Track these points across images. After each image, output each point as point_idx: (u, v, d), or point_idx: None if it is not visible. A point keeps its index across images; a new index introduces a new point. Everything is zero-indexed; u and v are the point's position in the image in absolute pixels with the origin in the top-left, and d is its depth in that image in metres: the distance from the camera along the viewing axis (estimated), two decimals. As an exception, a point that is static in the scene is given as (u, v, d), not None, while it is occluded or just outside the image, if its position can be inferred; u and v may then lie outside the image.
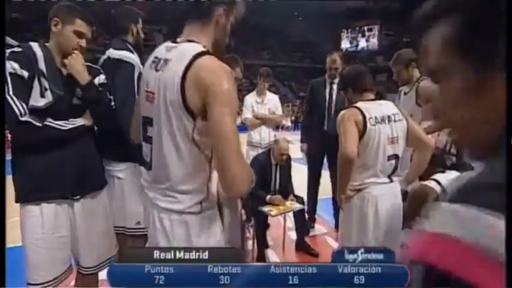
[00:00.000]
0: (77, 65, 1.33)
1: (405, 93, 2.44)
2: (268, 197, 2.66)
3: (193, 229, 0.98)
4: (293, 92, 31.13)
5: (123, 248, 1.74)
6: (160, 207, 1.01)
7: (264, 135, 3.34)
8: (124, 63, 1.58)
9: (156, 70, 0.97)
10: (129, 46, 1.68)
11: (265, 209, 2.58)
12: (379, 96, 1.75)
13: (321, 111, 3.04)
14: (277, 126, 3.86)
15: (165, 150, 0.96)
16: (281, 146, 2.73)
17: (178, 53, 0.94)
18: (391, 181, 1.72)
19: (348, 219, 1.73)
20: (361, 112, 1.61)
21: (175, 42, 1.00)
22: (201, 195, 0.98)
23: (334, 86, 3.01)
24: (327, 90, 3.04)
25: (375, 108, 1.65)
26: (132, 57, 1.61)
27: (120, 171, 1.67)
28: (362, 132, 1.59)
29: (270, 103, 3.38)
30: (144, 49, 1.76)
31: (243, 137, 3.60)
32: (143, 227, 1.65)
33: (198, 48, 0.94)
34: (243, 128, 3.64)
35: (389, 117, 1.65)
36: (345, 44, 30.93)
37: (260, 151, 3.15)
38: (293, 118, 20.32)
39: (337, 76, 2.97)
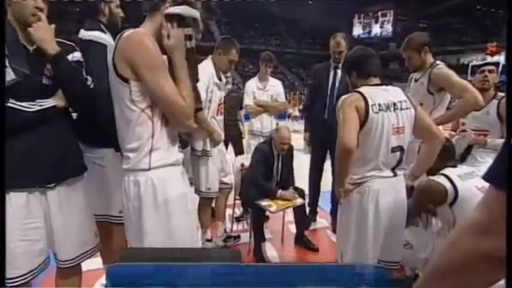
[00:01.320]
0: (42, 33, 1.21)
1: (416, 80, 2.30)
2: (279, 192, 2.54)
3: (143, 186, 1.16)
4: (301, 79, 30.66)
5: (109, 237, 1.71)
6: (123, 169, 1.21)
7: (266, 123, 3.24)
8: (95, 44, 1.53)
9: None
10: (102, 26, 1.63)
11: (264, 203, 2.47)
12: (387, 83, 1.61)
13: (322, 99, 2.89)
14: (285, 115, 3.79)
15: (115, 117, 1.20)
16: (282, 135, 2.61)
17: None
18: (395, 175, 1.58)
19: (347, 215, 1.62)
20: (364, 98, 1.48)
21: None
22: (146, 149, 1.16)
23: (339, 72, 2.85)
24: (331, 75, 2.88)
25: (379, 94, 1.52)
26: (104, 37, 1.57)
27: (101, 158, 1.62)
28: (363, 120, 1.46)
29: (272, 89, 3.27)
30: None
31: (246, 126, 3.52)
32: None
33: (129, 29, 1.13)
34: (246, 116, 3.54)
35: (395, 104, 1.51)
36: (358, 31, 30.16)
37: (262, 140, 3.06)
38: (301, 107, 20.08)
39: (341, 60, 2.80)
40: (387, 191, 1.56)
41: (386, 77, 15.11)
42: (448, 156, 1.76)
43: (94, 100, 1.40)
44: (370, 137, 1.49)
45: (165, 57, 1.16)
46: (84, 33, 1.59)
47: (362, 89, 1.53)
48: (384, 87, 1.57)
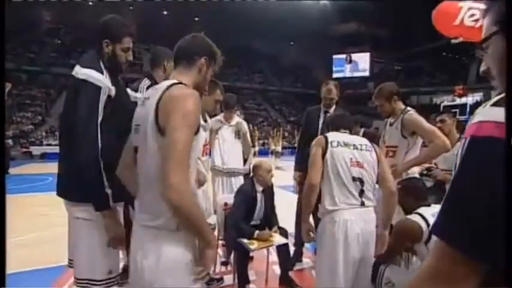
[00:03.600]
0: None
1: (391, 124, 2.53)
2: (256, 232, 2.60)
3: (166, 245, 1.10)
4: (284, 116, 31.64)
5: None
6: (143, 226, 1.14)
7: (227, 159, 3.23)
8: (89, 85, 1.45)
9: (141, 105, 1.20)
10: (101, 65, 1.52)
11: (245, 241, 2.53)
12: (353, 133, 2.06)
13: (312, 140, 3.07)
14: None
15: (149, 178, 1.12)
16: (265, 167, 2.74)
17: (156, 89, 1.16)
18: (363, 204, 1.79)
19: (320, 246, 1.84)
20: (325, 138, 1.89)
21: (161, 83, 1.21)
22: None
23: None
24: (321, 119, 3.09)
25: (341, 136, 1.92)
26: (100, 79, 1.48)
27: (80, 211, 1.51)
28: (324, 152, 1.83)
29: (237, 126, 3.29)
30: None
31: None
32: (115, 275, 1.57)
33: (172, 82, 1.16)
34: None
35: (354, 144, 1.87)
36: (338, 70, 31.98)
37: (225, 178, 3.17)
38: (283, 144, 20.49)
39: (332, 106, 3.06)
40: (355, 221, 1.75)
41: (366, 114, 15.86)
42: (422, 195, 1.95)
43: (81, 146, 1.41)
44: (332, 167, 1.81)
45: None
46: (78, 70, 1.48)
47: (328, 134, 1.96)
48: (350, 135, 1.98)
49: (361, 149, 1.86)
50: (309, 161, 1.87)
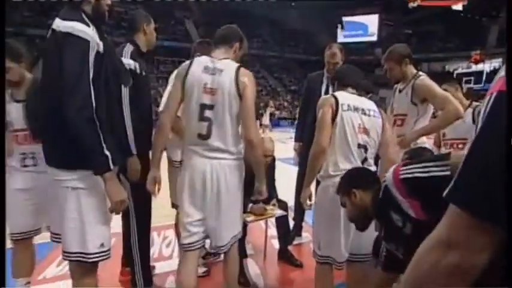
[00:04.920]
0: None
1: (400, 91, 2.46)
2: (250, 205, 2.62)
3: (232, 173, 1.79)
4: (283, 85, 31.18)
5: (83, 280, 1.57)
6: (215, 159, 1.75)
7: None
8: (75, 39, 1.37)
9: (212, 74, 1.74)
10: (85, 17, 1.45)
11: None
12: (361, 94, 2.00)
13: (315, 109, 3.00)
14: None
15: (225, 125, 1.74)
16: (266, 148, 2.70)
17: (225, 65, 1.77)
18: None
19: (321, 207, 1.91)
20: (336, 99, 1.86)
21: (213, 58, 1.81)
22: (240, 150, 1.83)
23: None
24: (324, 86, 3.00)
25: (351, 98, 1.90)
26: (87, 31, 1.41)
27: (72, 180, 1.47)
28: (334, 115, 1.83)
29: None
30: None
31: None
32: (108, 249, 1.56)
33: (235, 63, 1.81)
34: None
35: (363, 109, 1.88)
36: (342, 35, 31.16)
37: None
38: (283, 115, 20.38)
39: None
40: None
41: (373, 83, 15.63)
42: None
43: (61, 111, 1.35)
44: (340, 131, 1.83)
45: None
46: (60, 24, 1.40)
47: (337, 93, 1.93)
48: (358, 96, 1.94)
49: (369, 115, 1.88)
50: (317, 122, 1.87)
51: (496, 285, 0.52)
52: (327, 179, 1.87)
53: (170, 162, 2.48)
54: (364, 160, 1.86)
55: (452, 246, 0.52)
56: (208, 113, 1.73)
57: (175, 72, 1.99)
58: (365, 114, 1.87)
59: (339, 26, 29.92)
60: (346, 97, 1.90)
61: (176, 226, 2.55)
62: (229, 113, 1.73)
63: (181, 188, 1.80)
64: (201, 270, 2.54)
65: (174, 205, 2.47)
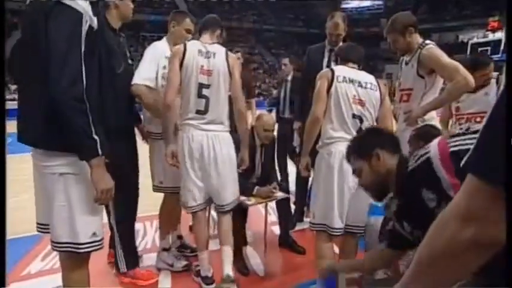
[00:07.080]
0: None
1: (406, 63, 2.41)
2: (255, 189, 2.68)
3: (225, 142, 2.25)
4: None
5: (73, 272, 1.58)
6: (211, 131, 2.20)
7: None
8: (66, 9, 1.34)
9: (207, 57, 2.18)
10: None
11: (242, 197, 2.58)
12: (361, 68, 2.20)
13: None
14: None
15: (220, 101, 2.21)
16: (265, 122, 2.74)
17: (216, 49, 2.24)
18: None
19: (317, 176, 2.15)
20: (332, 71, 2.09)
21: (204, 43, 2.25)
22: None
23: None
24: (325, 59, 3.00)
25: (348, 71, 2.10)
26: (79, 2, 1.37)
27: (59, 165, 1.45)
28: (329, 86, 2.04)
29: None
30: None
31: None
32: (100, 239, 1.56)
33: (222, 47, 2.29)
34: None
35: (359, 81, 2.07)
36: (346, 5, 30.66)
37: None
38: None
39: (339, 43, 2.90)
40: None
41: (378, 57, 15.49)
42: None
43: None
44: (335, 102, 2.04)
45: None
46: None
47: (335, 67, 2.18)
48: (357, 70, 2.15)
49: (365, 87, 2.07)
50: (314, 93, 2.11)
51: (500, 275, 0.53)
52: (323, 148, 2.09)
53: (149, 137, 2.54)
54: (359, 130, 2.02)
55: (470, 219, 0.53)
56: (205, 91, 2.17)
57: (165, 51, 2.39)
58: (361, 86, 2.07)
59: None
60: (343, 70, 2.11)
61: (160, 216, 2.64)
62: (224, 90, 2.20)
63: (181, 158, 2.20)
64: (181, 264, 2.57)
65: (157, 188, 2.54)
